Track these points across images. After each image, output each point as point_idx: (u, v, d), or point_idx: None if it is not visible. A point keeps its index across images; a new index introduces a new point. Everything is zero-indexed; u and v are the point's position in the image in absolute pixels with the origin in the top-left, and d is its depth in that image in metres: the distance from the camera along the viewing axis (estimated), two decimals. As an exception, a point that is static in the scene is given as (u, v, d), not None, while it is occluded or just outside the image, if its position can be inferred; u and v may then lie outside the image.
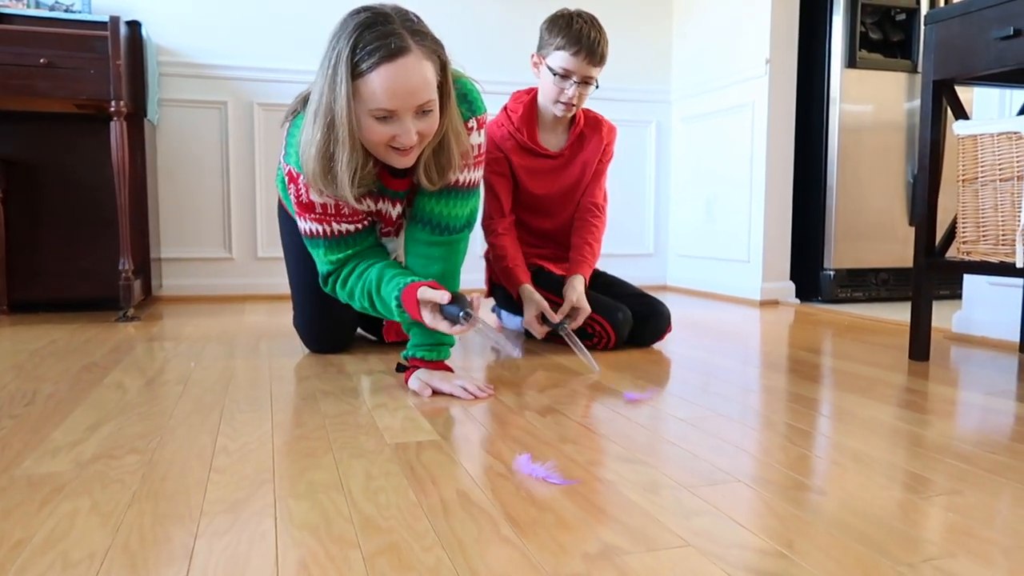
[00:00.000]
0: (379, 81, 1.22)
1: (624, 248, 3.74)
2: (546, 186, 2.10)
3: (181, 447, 1.10)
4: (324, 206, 1.40)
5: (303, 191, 1.39)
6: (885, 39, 3.09)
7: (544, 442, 1.13)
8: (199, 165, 3.13)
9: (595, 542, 0.78)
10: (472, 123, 1.45)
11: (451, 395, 1.43)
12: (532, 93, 2.05)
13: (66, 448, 1.10)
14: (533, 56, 1.98)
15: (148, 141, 2.83)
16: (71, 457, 1.05)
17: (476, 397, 1.41)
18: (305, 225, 1.45)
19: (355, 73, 1.23)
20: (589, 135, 2.11)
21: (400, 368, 1.62)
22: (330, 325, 1.87)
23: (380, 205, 1.50)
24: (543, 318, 1.96)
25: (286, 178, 1.43)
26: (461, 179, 1.48)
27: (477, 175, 1.52)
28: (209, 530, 0.80)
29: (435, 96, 1.29)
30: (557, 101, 1.95)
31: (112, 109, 2.34)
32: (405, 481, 0.96)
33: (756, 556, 0.75)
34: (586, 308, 1.91)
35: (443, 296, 1.32)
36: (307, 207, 1.41)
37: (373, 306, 1.45)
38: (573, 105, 1.95)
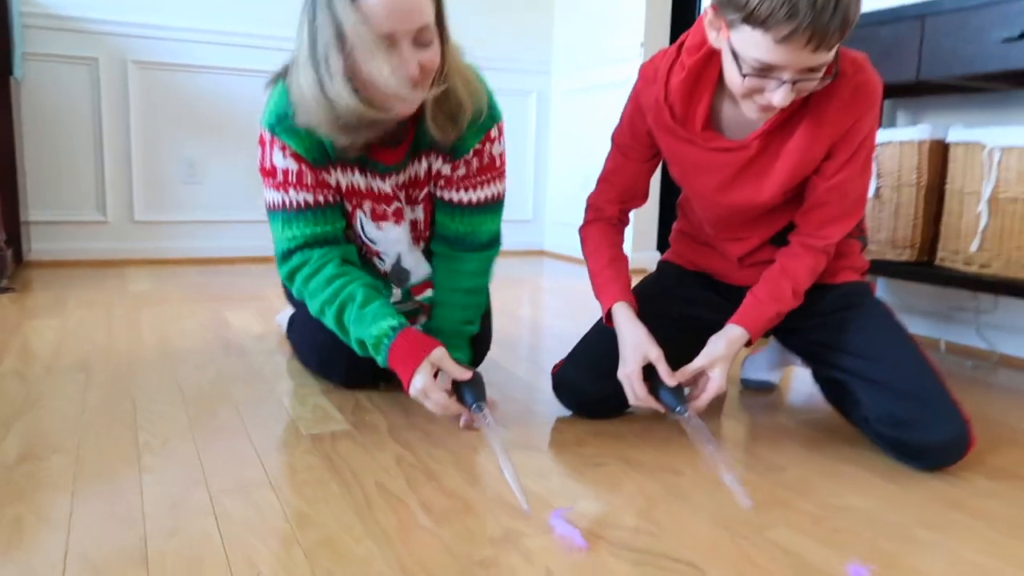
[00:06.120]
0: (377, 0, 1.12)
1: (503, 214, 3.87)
2: (722, 192, 1.28)
3: (104, 445, 1.16)
4: (286, 172, 1.31)
5: (267, 154, 1.31)
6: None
7: (445, 430, 1.27)
8: (69, 124, 2.98)
9: (498, 527, 0.93)
10: (494, 131, 1.43)
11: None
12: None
13: (-15, 449, 1.13)
14: (707, 12, 1.10)
15: (13, 98, 2.67)
16: (-6, 459, 1.09)
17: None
18: (266, 195, 1.35)
19: None
20: (822, 103, 1.16)
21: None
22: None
23: (361, 178, 1.36)
24: (651, 376, 1.23)
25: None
26: (476, 197, 1.45)
27: (500, 187, 1.47)
28: (157, 532, 0.89)
29: (432, 23, 1.20)
30: (747, 99, 1.10)
31: (-25, 68, 2.21)
32: (327, 474, 1.07)
33: (630, 534, 0.92)
34: (719, 382, 1.22)
35: (464, 373, 1.23)
36: (269, 172, 1.33)
37: (339, 318, 1.29)
38: (775, 108, 1.09)
